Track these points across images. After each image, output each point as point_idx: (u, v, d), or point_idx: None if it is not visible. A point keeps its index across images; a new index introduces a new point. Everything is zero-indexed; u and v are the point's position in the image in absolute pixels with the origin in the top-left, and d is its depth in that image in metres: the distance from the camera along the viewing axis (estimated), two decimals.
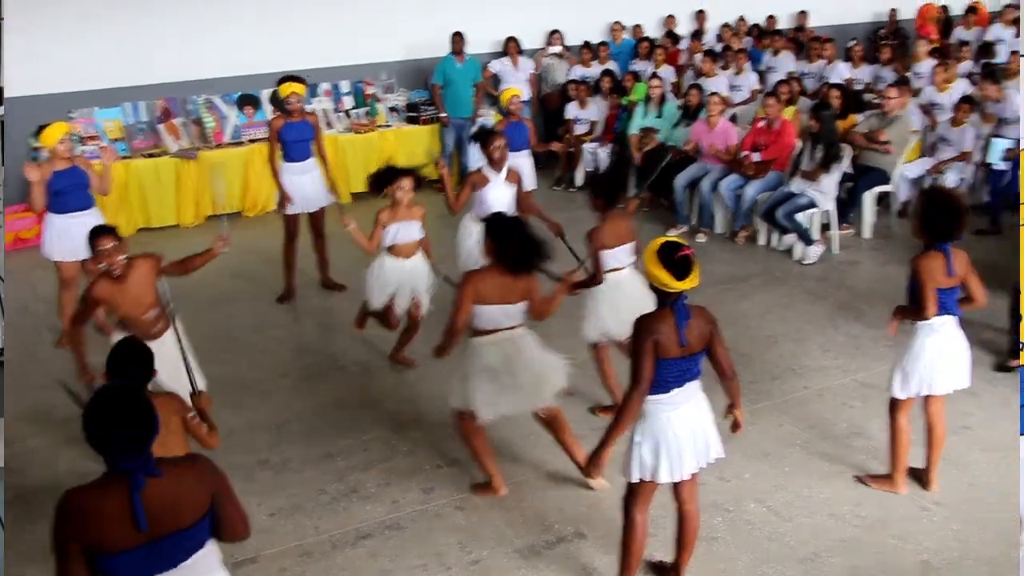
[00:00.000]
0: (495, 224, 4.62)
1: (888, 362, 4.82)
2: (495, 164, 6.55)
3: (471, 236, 6.53)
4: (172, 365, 4.91)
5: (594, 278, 5.38)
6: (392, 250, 6.06)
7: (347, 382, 6.34)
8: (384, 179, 6.04)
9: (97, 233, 4.78)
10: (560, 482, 5.06)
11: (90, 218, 6.84)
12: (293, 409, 5.97)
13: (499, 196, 6.53)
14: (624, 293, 5.48)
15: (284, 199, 7.57)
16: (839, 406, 5.77)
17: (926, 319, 4.56)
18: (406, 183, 5.97)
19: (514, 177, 6.67)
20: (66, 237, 6.73)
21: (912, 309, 4.60)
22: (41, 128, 6.74)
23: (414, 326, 6.33)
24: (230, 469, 5.06)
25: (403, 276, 6.10)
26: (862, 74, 11.50)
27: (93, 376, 4.82)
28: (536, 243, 4.57)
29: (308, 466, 5.30)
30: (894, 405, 4.74)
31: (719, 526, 4.61)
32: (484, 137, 6.65)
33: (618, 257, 5.50)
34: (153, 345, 4.82)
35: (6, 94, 9.67)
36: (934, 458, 4.87)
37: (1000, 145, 8.73)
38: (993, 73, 9.35)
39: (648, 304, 4.59)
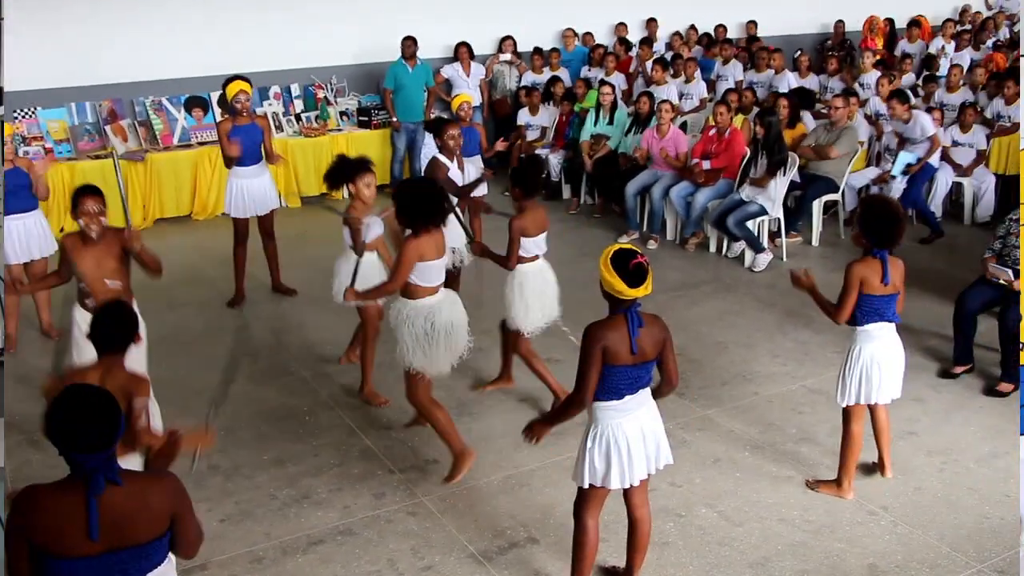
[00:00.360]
0: (406, 184, 5.03)
1: (837, 368, 4.89)
2: (448, 152, 6.74)
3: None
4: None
5: (507, 261, 5.57)
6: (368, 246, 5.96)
7: (298, 387, 6.29)
8: (341, 174, 5.95)
9: (84, 192, 4.85)
10: (513, 488, 5.06)
11: (32, 220, 6.74)
12: (243, 414, 5.90)
13: (453, 180, 6.75)
14: (546, 280, 5.73)
15: (228, 149, 7.40)
16: (788, 412, 5.84)
17: (836, 322, 4.70)
18: (370, 179, 5.91)
19: (461, 165, 6.96)
20: (7, 239, 6.59)
21: (830, 306, 4.69)
22: None
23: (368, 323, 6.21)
24: (180, 474, 5.04)
25: (372, 271, 5.94)
26: (809, 84, 11.68)
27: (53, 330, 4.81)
28: (438, 201, 4.87)
29: (259, 472, 5.24)
30: (846, 412, 4.82)
31: (670, 531, 4.65)
32: (438, 126, 6.84)
33: (538, 244, 5.68)
34: None
35: None
36: (884, 446, 5.02)
37: (904, 159, 8.97)
38: (901, 92, 9.45)
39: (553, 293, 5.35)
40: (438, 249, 4.88)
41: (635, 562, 4.16)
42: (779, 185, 8.38)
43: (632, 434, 3.80)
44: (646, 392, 3.86)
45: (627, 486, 3.88)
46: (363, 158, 6.08)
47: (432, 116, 11.11)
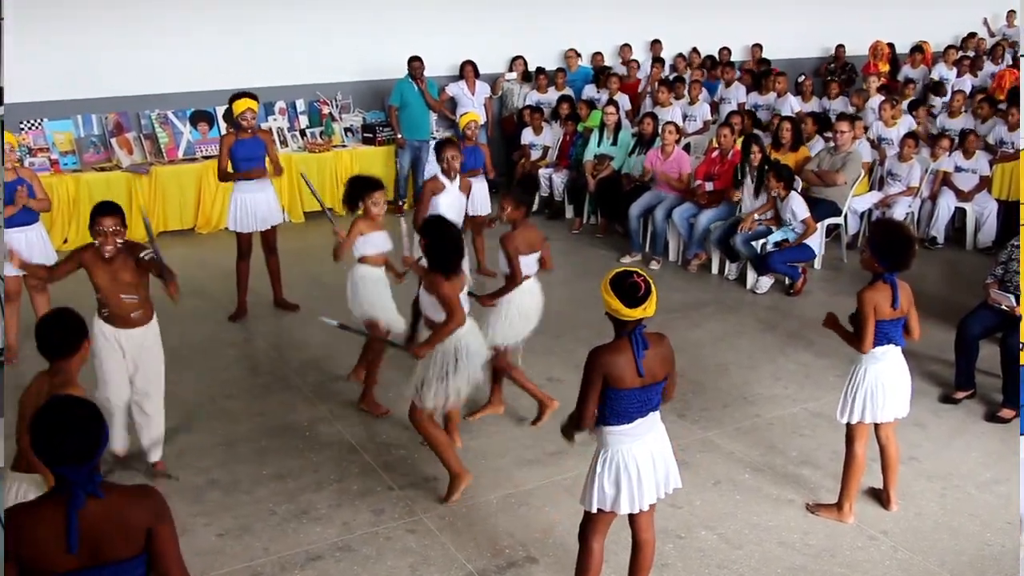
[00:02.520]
0: (431, 226, 4.93)
1: (838, 392, 4.89)
2: (449, 172, 6.80)
3: None
4: (150, 356, 5.13)
5: (514, 280, 5.59)
6: (366, 260, 5.99)
7: (298, 402, 6.28)
8: (357, 192, 6.02)
9: (103, 210, 4.84)
10: (513, 506, 5.05)
11: (33, 233, 6.73)
12: (243, 429, 5.89)
13: (452, 203, 6.77)
14: (534, 299, 5.75)
15: (226, 169, 7.47)
16: (789, 434, 5.83)
17: (861, 352, 4.67)
18: (379, 196, 5.98)
19: (465, 187, 6.99)
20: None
21: (852, 338, 4.69)
22: None
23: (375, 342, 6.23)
24: (179, 488, 5.06)
25: (380, 285, 6.01)
26: (812, 108, 11.73)
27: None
28: (459, 246, 4.89)
29: (258, 486, 5.22)
30: (850, 433, 4.81)
31: (670, 553, 4.63)
32: (439, 145, 7.02)
33: (529, 264, 5.69)
34: (132, 333, 4.98)
35: None
36: (891, 480, 4.97)
37: (774, 238, 8.36)
38: (780, 170, 8.37)
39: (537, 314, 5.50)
40: (463, 282, 5.00)
41: None
42: (796, 202, 8.35)
43: (642, 459, 3.79)
44: (655, 415, 3.85)
45: (636, 511, 3.86)
46: (374, 178, 6.16)
47: (438, 134, 11.23)
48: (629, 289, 3.63)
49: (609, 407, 3.72)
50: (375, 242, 5.96)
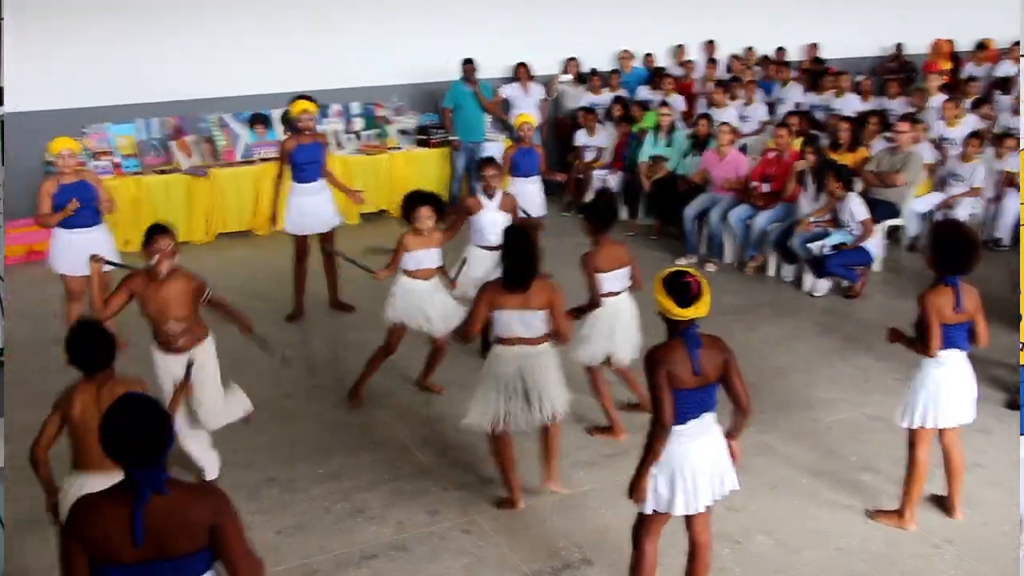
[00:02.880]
0: (509, 235, 4.79)
1: (899, 396, 4.80)
2: (487, 191, 6.66)
3: (475, 263, 6.56)
4: (198, 379, 5.01)
5: (592, 302, 5.46)
6: (412, 274, 6.04)
7: (354, 402, 6.32)
8: (409, 205, 6.05)
9: (157, 231, 4.84)
10: (568, 508, 5.03)
11: (96, 234, 6.82)
12: (300, 428, 5.96)
13: (492, 221, 6.58)
14: (619, 318, 5.60)
15: (273, 219, 7.64)
16: (848, 439, 5.74)
17: (928, 356, 4.57)
18: (425, 211, 5.95)
19: (508, 204, 6.75)
20: (71, 252, 6.71)
21: (918, 344, 4.60)
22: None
23: (440, 350, 6.29)
24: (237, 487, 5.11)
25: (424, 299, 6.04)
26: (871, 107, 11.53)
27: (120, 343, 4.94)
28: (533, 257, 4.73)
29: (314, 485, 5.27)
30: (912, 438, 4.72)
31: (727, 557, 4.58)
32: (480, 163, 6.90)
33: (613, 281, 5.58)
34: (180, 358, 4.91)
35: (21, 107, 9.74)
36: (955, 487, 4.87)
37: (831, 241, 8.16)
38: (840, 170, 8.25)
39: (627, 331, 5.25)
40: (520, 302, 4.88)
41: None
42: (854, 203, 8.21)
43: (697, 460, 3.76)
44: (711, 417, 3.82)
45: (691, 513, 3.84)
46: (424, 193, 6.12)
47: (492, 135, 11.25)
48: (681, 288, 3.62)
49: None
50: (418, 258, 6.01)
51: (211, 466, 5.10)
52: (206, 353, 5.06)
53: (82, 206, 6.70)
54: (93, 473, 3.76)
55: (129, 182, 9.77)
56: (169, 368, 4.95)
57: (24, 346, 7.28)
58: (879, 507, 4.97)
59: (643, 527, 3.92)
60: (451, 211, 7.44)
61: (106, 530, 2.64)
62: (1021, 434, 4.66)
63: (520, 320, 4.70)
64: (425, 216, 5.96)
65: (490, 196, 6.65)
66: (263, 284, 8.67)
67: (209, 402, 5.05)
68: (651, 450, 3.75)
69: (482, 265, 6.51)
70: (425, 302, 6.03)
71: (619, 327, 5.64)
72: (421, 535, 4.81)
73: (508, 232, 4.86)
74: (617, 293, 5.62)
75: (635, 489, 3.83)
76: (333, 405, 6.28)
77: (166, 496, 2.67)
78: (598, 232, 5.58)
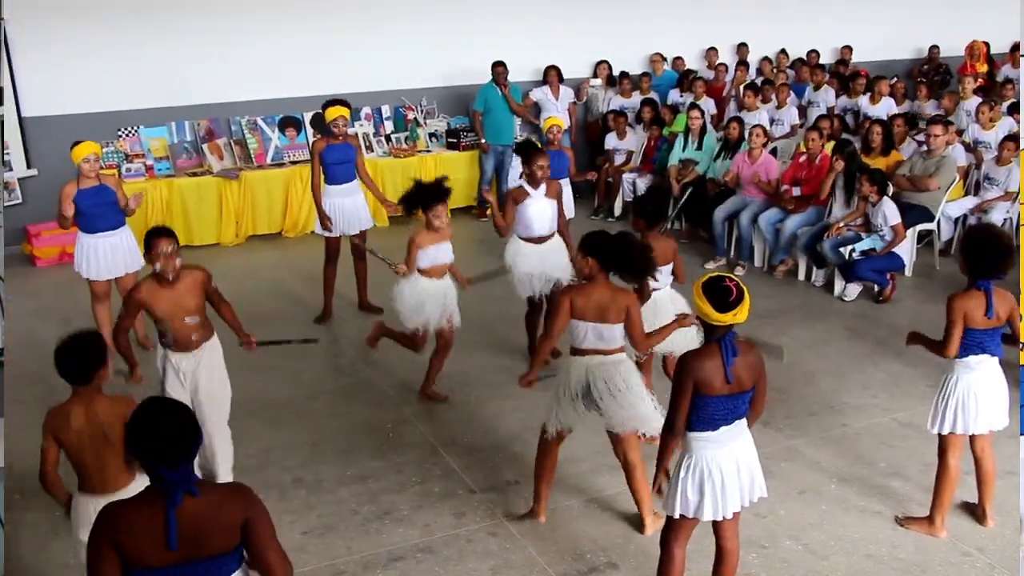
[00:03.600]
0: (593, 241, 4.62)
1: (930, 401, 4.75)
2: (535, 182, 6.52)
3: (519, 255, 6.54)
4: (209, 376, 4.99)
5: (642, 293, 5.34)
6: (425, 272, 6.05)
7: (382, 404, 6.35)
8: (416, 200, 6.02)
9: (156, 234, 4.77)
10: (595, 511, 5.03)
11: (119, 238, 6.85)
12: (328, 429, 5.99)
13: (540, 210, 6.51)
14: (662, 311, 5.52)
15: (324, 222, 7.61)
16: (878, 445, 5.69)
17: (945, 357, 4.53)
18: (441, 209, 5.96)
19: (554, 191, 6.63)
20: (94, 256, 6.78)
21: (936, 345, 4.56)
22: (75, 144, 6.79)
23: (445, 346, 6.30)
24: (265, 486, 5.15)
25: (437, 296, 6.07)
26: (903, 111, 11.43)
27: (139, 375, 5.01)
28: (642, 250, 4.66)
29: (341, 486, 5.30)
30: (943, 444, 4.67)
31: (754, 562, 4.56)
32: (527, 152, 6.60)
33: (660, 276, 5.53)
34: (192, 356, 4.90)
35: (52, 112, 9.88)
36: (987, 494, 4.81)
37: (861, 247, 8.09)
38: (873, 175, 8.21)
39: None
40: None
41: None
42: (888, 207, 8.14)
43: (727, 466, 3.75)
44: (742, 424, 3.81)
45: (719, 518, 3.82)
46: (439, 187, 6.05)
47: (521, 138, 11.23)
48: (721, 293, 3.61)
49: (696, 413, 3.69)
50: (432, 255, 6.02)
51: (228, 463, 5.16)
52: (215, 350, 5.07)
53: (103, 210, 6.74)
54: (99, 496, 3.66)
55: (161, 184, 9.87)
56: (178, 369, 4.94)
57: (50, 345, 7.37)
58: (909, 514, 4.92)
59: (672, 532, 3.91)
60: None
61: (139, 534, 2.65)
62: (1021, 434, 4.59)
63: (595, 332, 4.60)
64: (442, 212, 5.96)
65: (536, 186, 6.53)
66: (293, 286, 8.73)
67: (221, 398, 5.08)
68: (663, 451, 3.80)
69: (528, 261, 6.50)
70: (439, 300, 6.07)
71: (659, 322, 5.59)
72: (448, 537, 4.82)
73: (593, 239, 4.65)
74: (659, 289, 5.61)
75: (652, 485, 3.91)
76: (361, 407, 6.30)
77: (197, 497, 2.69)
78: (649, 228, 5.59)
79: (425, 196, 5.99)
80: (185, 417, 2.73)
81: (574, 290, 4.66)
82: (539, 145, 6.78)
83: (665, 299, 5.65)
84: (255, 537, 2.77)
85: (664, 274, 5.60)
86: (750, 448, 3.85)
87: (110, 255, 6.82)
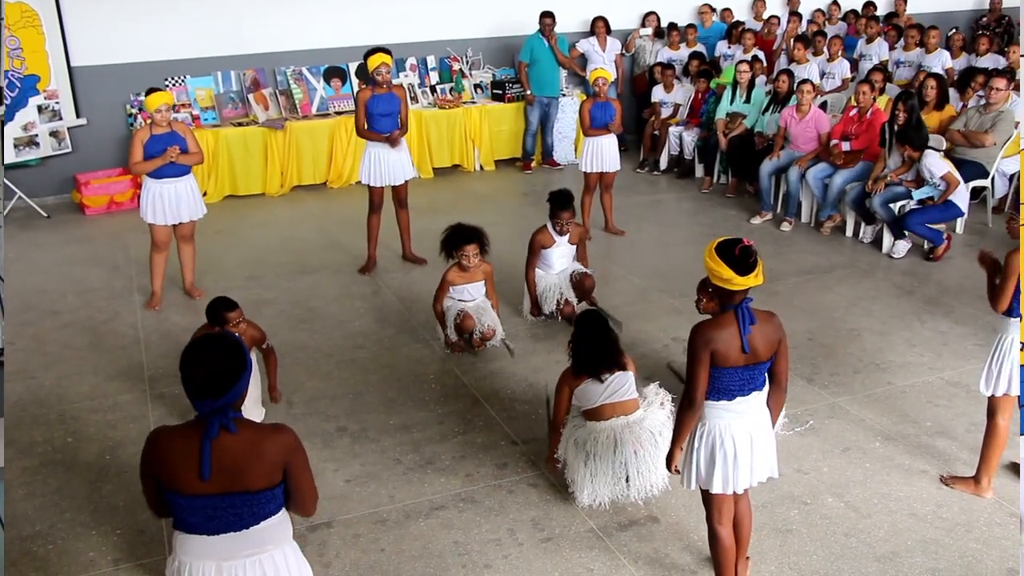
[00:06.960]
0: (583, 322, 4.68)
1: (978, 361, 4.68)
2: (561, 231, 6.64)
3: (540, 280, 6.78)
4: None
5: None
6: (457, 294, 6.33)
7: (425, 355, 6.38)
8: (452, 242, 6.18)
9: (225, 307, 5.13)
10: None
11: (184, 185, 6.94)
12: (371, 379, 6.03)
13: (562, 254, 6.76)
14: None
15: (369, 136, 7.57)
16: (924, 404, 5.63)
17: (996, 310, 4.44)
18: (471, 250, 6.10)
19: (576, 236, 6.76)
20: (159, 202, 6.86)
21: (991, 294, 4.47)
22: (150, 91, 6.83)
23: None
24: (310, 434, 5.23)
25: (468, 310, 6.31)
26: (960, 65, 11.15)
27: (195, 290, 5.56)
28: (610, 343, 4.61)
29: (385, 436, 5.35)
30: (992, 405, 4.59)
31: (795, 519, 4.54)
32: (558, 205, 6.57)
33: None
34: None
35: (101, 61, 9.95)
36: None
37: (918, 195, 7.96)
38: (908, 137, 8.00)
39: None
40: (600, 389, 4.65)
41: (738, 555, 4.02)
42: (931, 160, 7.97)
43: (740, 438, 3.60)
44: (760, 396, 3.65)
45: (729, 492, 3.70)
46: (470, 229, 6.17)
47: (565, 91, 11.13)
48: (741, 255, 3.39)
49: (711, 384, 3.53)
50: (460, 293, 6.25)
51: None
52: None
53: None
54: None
55: (207, 134, 9.92)
56: None
57: (100, 292, 7.52)
58: (954, 473, 4.87)
59: (709, 511, 3.81)
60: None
61: (174, 460, 2.73)
62: (1021, 434, 4.50)
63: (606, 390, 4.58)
64: (471, 253, 6.10)
65: (562, 234, 6.65)
66: (337, 236, 8.77)
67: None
68: (678, 431, 3.67)
69: (544, 280, 6.76)
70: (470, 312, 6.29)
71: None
72: (489, 488, 4.85)
73: (581, 320, 4.69)
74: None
75: (668, 463, 3.81)
76: (404, 358, 6.34)
77: (235, 435, 2.73)
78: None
79: (457, 237, 6.16)
80: (226, 353, 2.74)
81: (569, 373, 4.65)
82: (571, 196, 6.69)
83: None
84: (291, 475, 2.83)
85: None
86: (766, 424, 3.70)
87: (174, 201, 6.91)
